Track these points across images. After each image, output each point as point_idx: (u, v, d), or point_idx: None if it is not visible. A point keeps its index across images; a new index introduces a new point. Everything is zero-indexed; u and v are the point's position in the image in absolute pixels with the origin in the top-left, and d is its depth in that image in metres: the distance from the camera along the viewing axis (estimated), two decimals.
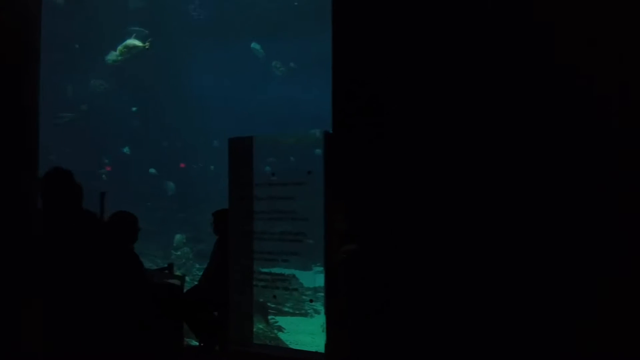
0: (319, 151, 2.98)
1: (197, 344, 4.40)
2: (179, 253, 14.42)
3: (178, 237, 15.17)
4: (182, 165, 17.55)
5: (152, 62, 15.18)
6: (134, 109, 17.04)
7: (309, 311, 3.13)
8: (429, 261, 2.18)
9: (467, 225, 2.11)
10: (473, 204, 2.09)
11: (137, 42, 13.00)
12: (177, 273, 5.08)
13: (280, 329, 3.28)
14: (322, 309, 2.89)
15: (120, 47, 13.08)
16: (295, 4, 15.59)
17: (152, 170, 16.73)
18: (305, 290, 3.11)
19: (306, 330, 3.12)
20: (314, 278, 2.99)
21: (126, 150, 16.78)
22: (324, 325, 2.73)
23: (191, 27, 16.47)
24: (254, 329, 3.23)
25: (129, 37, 13.08)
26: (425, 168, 2.21)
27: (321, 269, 2.86)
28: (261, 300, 3.21)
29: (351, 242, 2.42)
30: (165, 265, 5.09)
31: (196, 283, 5.31)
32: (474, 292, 2.08)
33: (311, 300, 3.08)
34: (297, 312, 3.22)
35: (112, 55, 13.13)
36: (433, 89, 2.21)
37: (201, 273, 5.17)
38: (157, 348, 3.20)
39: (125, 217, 3.71)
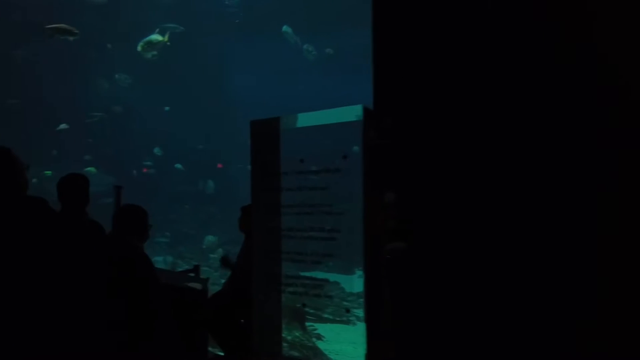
0: (356, 131, 2.51)
1: (222, 354, 3.98)
2: (215, 255, 14.24)
3: (210, 238, 14.90)
4: (219, 165, 17.30)
5: (186, 59, 15.05)
6: (166, 108, 17.02)
7: (350, 318, 2.76)
8: (499, 265, 1.82)
9: (551, 226, 1.76)
10: (560, 203, 1.77)
11: (158, 37, 12.96)
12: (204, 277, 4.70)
13: (319, 337, 2.93)
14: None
15: (141, 44, 13.09)
16: None
17: (178, 166, 16.60)
18: (346, 297, 2.77)
19: (348, 339, 2.80)
20: (353, 282, 2.59)
21: (157, 151, 16.80)
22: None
23: (225, 21, 16.24)
24: (290, 337, 2.90)
25: (162, 33, 13.03)
26: (507, 153, 1.83)
27: (361, 272, 2.47)
28: (292, 305, 2.79)
29: (397, 239, 2.02)
30: (191, 267, 4.72)
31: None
32: (551, 304, 1.76)
33: (347, 311, 2.62)
34: (338, 319, 2.87)
35: (139, 47, 13.16)
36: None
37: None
38: (171, 356, 2.80)
39: (134, 211, 3.32)
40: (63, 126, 16.32)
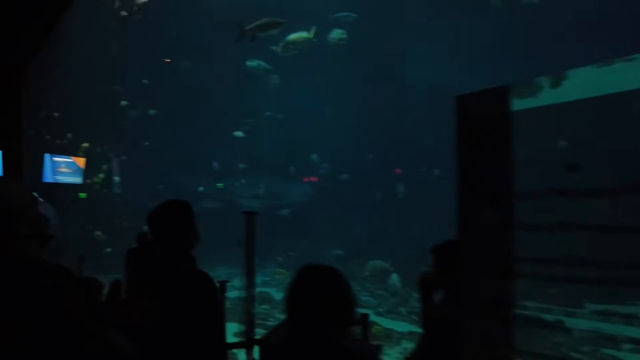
0: None
1: None
2: (383, 291, 12.48)
3: (373, 264, 12.95)
4: (397, 170, 16.05)
5: (353, 52, 14.11)
6: (328, 109, 16.47)
7: None
8: None
9: None
10: None
11: (302, 34, 12.03)
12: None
13: None
14: None
15: (282, 44, 12.22)
16: None
17: (344, 176, 15.57)
18: None
19: None
20: None
21: (314, 157, 16.39)
22: None
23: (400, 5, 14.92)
24: None
25: (336, 25, 12.29)
26: None
27: None
28: None
29: None
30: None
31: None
32: None
33: None
34: None
35: (279, 49, 12.48)
36: None
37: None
38: None
39: (171, 208, 2.61)
40: (238, 134, 17.11)
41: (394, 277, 11.87)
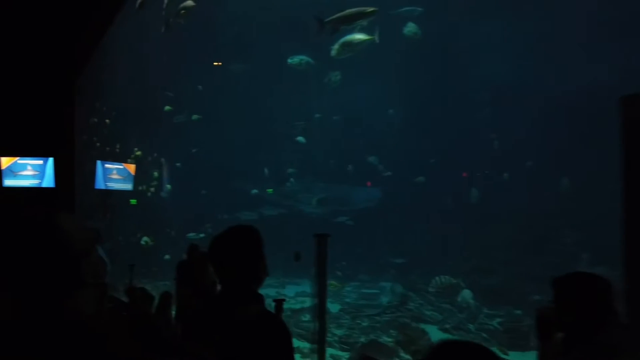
0: None
1: None
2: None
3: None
4: (464, 174, 14.99)
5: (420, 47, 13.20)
6: (390, 110, 15.64)
7: None
8: None
9: None
10: None
11: (361, 36, 10.60)
12: None
13: None
14: None
15: (336, 46, 11.07)
16: None
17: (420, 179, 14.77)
18: None
19: None
20: None
21: (372, 160, 15.67)
22: None
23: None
24: None
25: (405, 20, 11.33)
26: None
27: None
28: None
29: None
30: None
31: None
32: None
33: None
34: None
35: (333, 52, 11.38)
36: None
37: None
38: None
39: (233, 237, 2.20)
40: (300, 139, 16.71)
41: (466, 294, 10.70)
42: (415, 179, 14.78)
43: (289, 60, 14.52)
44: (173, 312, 7.36)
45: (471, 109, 13.99)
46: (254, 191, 18.14)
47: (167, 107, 17.13)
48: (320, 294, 3.27)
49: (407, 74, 14.68)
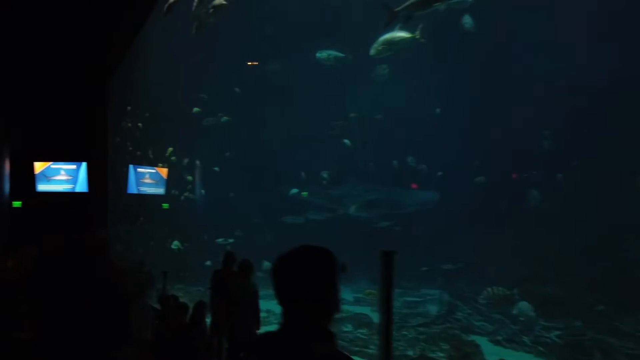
0: None
1: None
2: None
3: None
4: (514, 176, 14.08)
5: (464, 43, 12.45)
6: (437, 110, 14.92)
7: None
8: None
9: None
10: None
11: (403, 34, 9.93)
12: None
13: None
14: None
15: (376, 45, 10.41)
16: None
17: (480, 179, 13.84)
18: None
19: None
20: None
21: (410, 161, 15.05)
22: None
23: None
24: None
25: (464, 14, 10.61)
26: None
27: None
28: None
29: None
30: None
31: None
32: None
33: None
34: None
35: (372, 51, 10.72)
36: None
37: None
38: None
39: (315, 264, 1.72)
40: (346, 142, 16.31)
41: (524, 306, 9.80)
42: (475, 179, 13.96)
43: (317, 55, 14.17)
44: (207, 322, 7.00)
45: (520, 107, 13.12)
46: (304, 194, 17.66)
47: (195, 109, 16.86)
48: (387, 323, 2.67)
49: (454, 71, 14.01)
